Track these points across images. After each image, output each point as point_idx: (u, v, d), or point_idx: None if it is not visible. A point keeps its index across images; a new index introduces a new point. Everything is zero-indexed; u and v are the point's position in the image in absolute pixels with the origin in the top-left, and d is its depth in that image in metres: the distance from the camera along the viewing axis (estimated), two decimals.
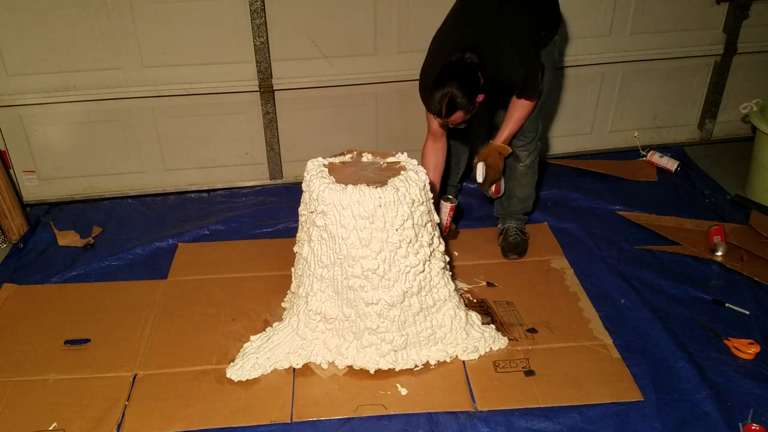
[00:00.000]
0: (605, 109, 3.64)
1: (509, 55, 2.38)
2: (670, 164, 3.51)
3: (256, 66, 3.15)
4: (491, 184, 2.67)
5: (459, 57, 2.30)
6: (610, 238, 2.96)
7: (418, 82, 2.50)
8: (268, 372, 2.25)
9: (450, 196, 2.77)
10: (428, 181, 2.18)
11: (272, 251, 2.89)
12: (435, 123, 2.52)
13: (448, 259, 2.34)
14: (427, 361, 2.28)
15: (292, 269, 2.46)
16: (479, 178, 2.65)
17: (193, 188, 3.43)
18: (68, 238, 3.02)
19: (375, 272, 2.10)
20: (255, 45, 3.09)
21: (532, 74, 2.44)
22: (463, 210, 3.21)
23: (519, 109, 2.55)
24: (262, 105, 3.25)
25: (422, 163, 2.62)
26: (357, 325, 2.21)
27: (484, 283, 2.68)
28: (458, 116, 2.31)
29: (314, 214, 2.13)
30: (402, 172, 2.17)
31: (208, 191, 3.43)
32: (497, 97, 2.63)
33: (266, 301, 2.60)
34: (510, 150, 2.65)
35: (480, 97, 2.32)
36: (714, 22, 3.48)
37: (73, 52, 3.00)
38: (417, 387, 2.20)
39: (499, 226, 2.96)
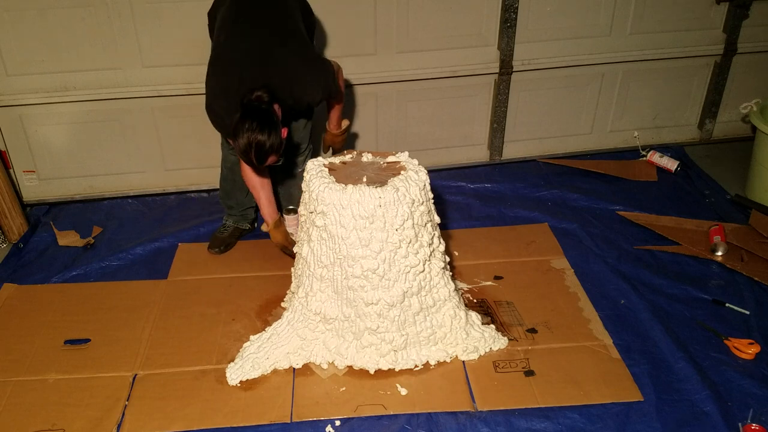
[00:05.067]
0: (605, 109, 3.64)
1: (302, 77, 2.36)
2: (670, 164, 3.51)
3: None
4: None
5: (250, 101, 2.22)
6: (610, 238, 2.96)
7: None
8: (268, 372, 2.25)
9: (291, 207, 2.77)
10: (428, 181, 2.18)
11: (272, 251, 2.88)
12: None
13: (448, 259, 2.34)
14: (427, 361, 2.28)
15: (292, 269, 2.46)
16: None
17: (193, 188, 3.43)
18: (68, 238, 3.02)
19: (375, 272, 2.10)
20: None
21: (329, 82, 2.44)
22: (463, 210, 3.21)
23: (334, 108, 2.66)
24: None
25: (248, 182, 2.58)
26: (357, 325, 2.21)
27: (489, 282, 2.67)
28: (272, 159, 2.27)
29: (314, 214, 2.13)
30: (402, 172, 2.17)
31: (208, 191, 3.43)
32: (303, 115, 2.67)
33: (266, 301, 2.60)
34: (348, 122, 2.80)
35: (284, 132, 2.28)
36: (714, 22, 3.48)
37: (73, 52, 3.00)
38: (417, 387, 2.20)
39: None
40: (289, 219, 2.73)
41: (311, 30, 2.67)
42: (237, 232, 2.98)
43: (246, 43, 2.36)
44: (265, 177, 2.58)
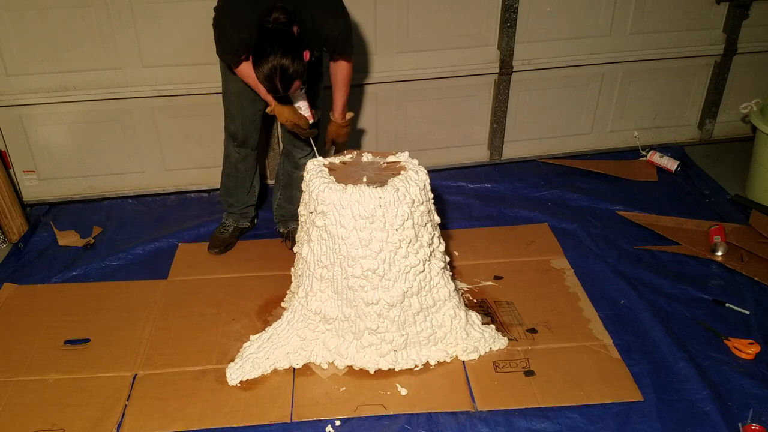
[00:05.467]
0: (605, 109, 3.64)
1: (325, 5, 2.32)
2: (670, 164, 3.51)
3: None
4: (339, 152, 2.57)
5: (268, 22, 2.16)
6: (610, 238, 2.96)
7: (217, 30, 2.36)
8: (268, 372, 2.25)
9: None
10: (428, 181, 2.18)
11: (272, 251, 2.89)
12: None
13: (448, 259, 2.34)
14: (427, 361, 2.28)
15: (292, 269, 2.46)
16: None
17: (193, 188, 3.43)
18: (68, 238, 3.02)
19: (375, 272, 2.10)
20: None
21: (348, 26, 2.39)
22: (463, 210, 3.21)
23: (342, 71, 2.52)
24: None
25: (246, 78, 2.46)
26: (357, 325, 2.21)
27: (489, 282, 2.67)
28: (296, 84, 2.23)
29: (314, 214, 2.13)
30: (402, 172, 2.17)
31: (208, 191, 3.43)
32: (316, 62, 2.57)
33: (266, 301, 2.60)
34: (352, 114, 2.68)
35: (306, 55, 2.24)
36: (714, 22, 3.48)
37: (73, 52, 3.00)
38: (417, 387, 2.20)
39: (282, 230, 2.99)
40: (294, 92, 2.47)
41: None
42: (237, 232, 2.98)
43: None
44: None
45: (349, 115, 2.70)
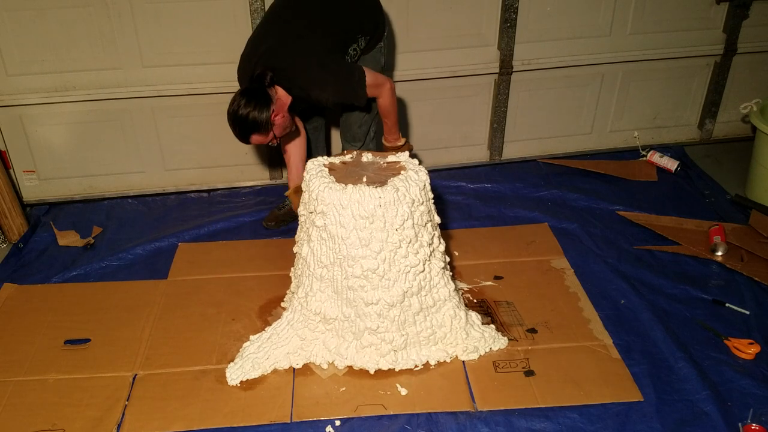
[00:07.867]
0: (605, 109, 3.64)
1: (315, 75, 2.38)
2: (670, 164, 3.51)
3: None
4: None
5: (253, 77, 2.34)
6: (610, 238, 2.96)
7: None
8: (268, 372, 2.25)
9: None
10: (428, 181, 2.18)
11: (272, 251, 2.89)
12: None
13: (448, 259, 2.34)
14: (427, 361, 2.28)
15: (292, 269, 2.46)
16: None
17: (193, 188, 3.43)
18: (68, 238, 3.02)
19: (375, 272, 2.10)
20: None
21: (341, 87, 2.43)
22: (463, 210, 3.21)
23: (379, 106, 2.59)
24: None
25: (282, 145, 2.70)
26: (357, 325, 2.21)
27: (489, 282, 2.67)
28: (257, 138, 2.32)
29: (314, 214, 2.14)
30: (402, 172, 2.17)
31: (208, 191, 3.43)
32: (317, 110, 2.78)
33: (266, 301, 2.60)
34: (408, 146, 2.74)
35: (279, 118, 2.33)
36: (714, 22, 3.48)
37: (73, 52, 3.00)
38: (417, 387, 2.20)
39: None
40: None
41: (371, 33, 2.63)
42: (293, 213, 2.99)
43: (279, 24, 2.45)
44: (299, 146, 2.65)
45: (401, 141, 2.73)
